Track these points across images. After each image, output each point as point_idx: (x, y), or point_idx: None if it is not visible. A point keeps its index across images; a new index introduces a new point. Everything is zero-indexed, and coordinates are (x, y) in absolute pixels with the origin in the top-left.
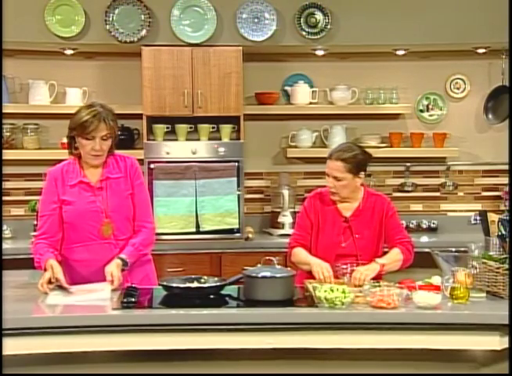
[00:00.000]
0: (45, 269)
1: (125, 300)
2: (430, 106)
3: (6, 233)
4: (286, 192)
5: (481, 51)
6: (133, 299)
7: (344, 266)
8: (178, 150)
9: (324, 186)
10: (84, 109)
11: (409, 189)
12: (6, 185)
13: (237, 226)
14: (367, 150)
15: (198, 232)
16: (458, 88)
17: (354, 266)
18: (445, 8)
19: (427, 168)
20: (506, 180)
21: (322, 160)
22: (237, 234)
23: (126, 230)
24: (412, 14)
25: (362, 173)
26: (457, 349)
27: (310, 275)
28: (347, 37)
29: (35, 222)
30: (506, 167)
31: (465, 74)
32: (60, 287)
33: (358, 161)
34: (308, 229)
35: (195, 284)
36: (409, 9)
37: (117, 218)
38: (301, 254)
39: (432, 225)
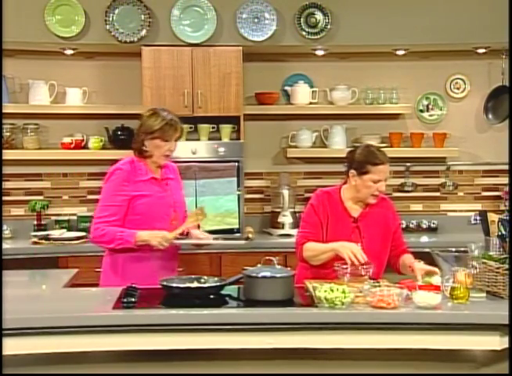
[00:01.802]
0: (136, 242)
1: (125, 300)
2: (430, 106)
3: (6, 233)
4: (286, 192)
5: (481, 51)
6: (133, 299)
7: (344, 266)
8: (178, 150)
9: (325, 186)
10: (155, 115)
11: (409, 189)
12: (6, 185)
13: (237, 226)
14: None
15: None
16: (458, 88)
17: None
18: (445, 8)
19: (427, 168)
20: (506, 180)
21: (322, 161)
22: (237, 234)
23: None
24: (412, 14)
25: None
26: (457, 349)
27: (310, 275)
28: (347, 37)
29: (35, 222)
30: (506, 167)
31: (465, 74)
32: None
33: None
34: (317, 226)
35: (195, 284)
36: (409, 9)
37: (179, 212)
38: (314, 245)
39: (432, 225)
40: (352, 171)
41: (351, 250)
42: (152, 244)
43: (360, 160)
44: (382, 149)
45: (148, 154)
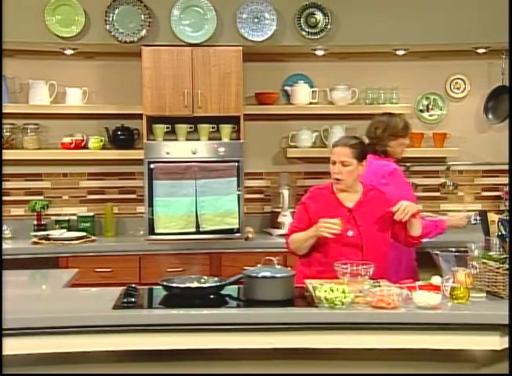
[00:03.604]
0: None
1: (125, 300)
2: (430, 106)
3: (6, 233)
4: (286, 192)
5: (481, 51)
6: (133, 299)
7: (344, 266)
8: (178, 150)
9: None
10: (394, 118)
11: None
12: (6, 185)
13: (237, 226)
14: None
15: (198, 232)
16: (458, 88)
17: (354, 266)
18: (445, 8)
19: (427, 168)
20: (506, 180)
21: (322, 160)
22: (237, 234)
23: None
24: (412, 14)
25: (365, 162)
26: (457, 349)
27: (310, 275)
28: (347, 37)
29: (35, 222)
30: (506, 167)
31: (465, 74)
32: None
33: (363, 148)
34: (305, 221)
35: (195, 284)
36: (409, 9)
37: None
38: (297, 236)
39: None
40: None
41: (325, 226)
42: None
43: None
44: (361, 141)
45: (391, 153)
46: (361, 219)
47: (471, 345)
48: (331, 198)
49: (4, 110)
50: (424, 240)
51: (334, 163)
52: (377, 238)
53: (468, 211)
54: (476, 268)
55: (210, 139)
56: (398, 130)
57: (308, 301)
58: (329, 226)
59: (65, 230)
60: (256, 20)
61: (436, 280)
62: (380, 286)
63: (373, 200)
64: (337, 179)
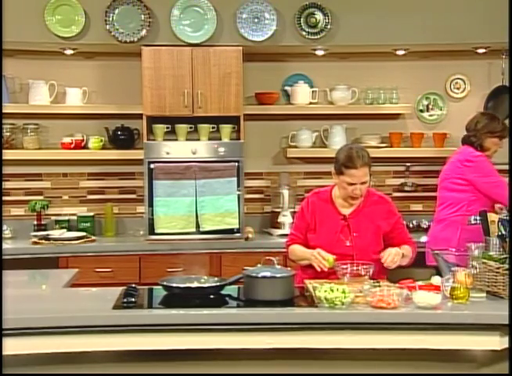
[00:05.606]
0: None
1: (125, 300)
2: (430, 106)
3: (6, 233)
4: (286, 192)
5: (481, 51)
6: (133, 299)
7: (344, 266)
8: (178, 150)
9: (324, 186)
10: (497, 120)
11: (409, 189)
12: (6, 185)
13: (237, 226)
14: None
15: (198, 232)
16: (458, 88)
17: (354, 266)
18: (445, 8)
19: (427, 168)
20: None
21: (322, 160)
22: (237, 234)
23: None
24: (412, 14)
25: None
26: (457, 349)
27: (310, 275)
28: (347, 37)
29: (35, 222)
30: (506, 167)
31: (465, 74)
32: None
33: (369, 155)
34: (302, 228)
35: (195, 284)
36: (409, 9)
37: None
38: (296, 251)
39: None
40: (332, 169)
41: (316, 258)
42: None
43: (338, 161)
44: (366, 151)
45: (485, 149)
46: (355, 228)
47: (471, 345)
48: (328, 204)
49: (4, 110)
50: None
51: (352, 184)
52: (370, 248)
53: None
54: (476, 268)
55: (210, 139)
56: (496, 129)
57: (308, 301)
58: (320, 260)
59: (65, 230)
60: (256, 20)
61: (436, 280)
62: (380, 286)
63: (372, 207)
64: (357, 198)
